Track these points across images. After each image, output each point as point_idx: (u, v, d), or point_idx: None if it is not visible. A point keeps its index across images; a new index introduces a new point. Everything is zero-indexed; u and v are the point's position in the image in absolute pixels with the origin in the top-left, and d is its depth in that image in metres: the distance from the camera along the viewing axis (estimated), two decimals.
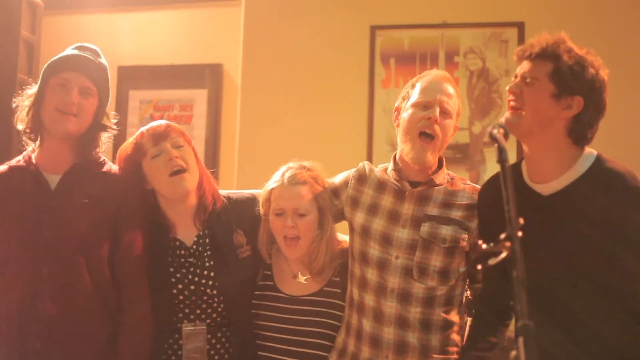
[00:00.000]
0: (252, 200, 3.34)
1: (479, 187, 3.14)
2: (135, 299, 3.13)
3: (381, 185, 3.17)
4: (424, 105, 3.05)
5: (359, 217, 3.16)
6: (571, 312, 2.68)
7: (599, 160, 2.71)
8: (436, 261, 3.01)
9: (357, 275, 3.13)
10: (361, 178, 3.25)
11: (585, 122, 2.69)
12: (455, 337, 3.09)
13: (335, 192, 3.27)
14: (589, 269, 2.64)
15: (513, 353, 1.90)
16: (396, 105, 3.21)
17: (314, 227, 3.19)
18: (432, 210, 3.05)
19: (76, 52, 3.17)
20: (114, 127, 3.26)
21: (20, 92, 3.17)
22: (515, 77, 2.78)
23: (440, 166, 3.15)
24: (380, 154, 5.13)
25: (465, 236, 3.02)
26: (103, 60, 3.22)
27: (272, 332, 3.20)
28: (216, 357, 3.20)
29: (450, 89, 3.12)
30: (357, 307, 3.11)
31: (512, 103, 2.75)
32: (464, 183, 3.16)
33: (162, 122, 3.27)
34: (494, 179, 2.97)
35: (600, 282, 2.64)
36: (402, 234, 3.05)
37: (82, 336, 3.06)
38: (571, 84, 2.67)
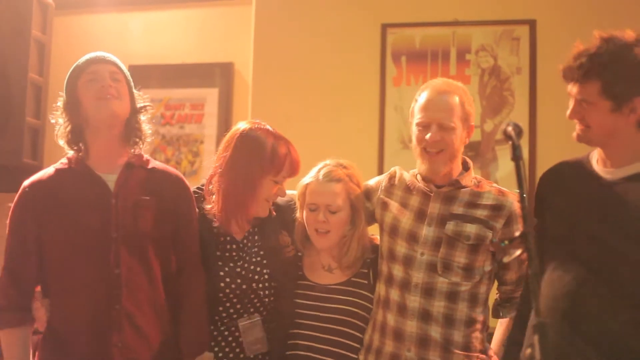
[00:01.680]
0: (293, 204, 3.42)
1: (505, 189, 3.19)
2: (196, 289, 3.21)
3: (409, 187, 3.26)
4: (423, 126, 3.12)
5: (388, 217, 3.25)
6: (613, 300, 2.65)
7: None
8: (460, 257, 3.07)
9: (385, 273, 3.20)
10: (392, 181, 3.34)
11: None
12: (478, 335, 3.13)
13: (368, 194, 3.36)
14: (626, 259, 2.61)
15: (528, 351, 1.90)
16: (410, 120, 3.26)
17: (345, 223, 3.26)
18: (458, 209, 3.12)
19: (91, 54, 3.23)
20: (150, 104, 3.30)
21: (39, 100, 3.22)
22: (570, 98, 2.77)
23: (466, 169, 3.20)
24: (391, 152, 5.13)
25: (490, 234, 3.06)
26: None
27: (301, 319, 3.26)
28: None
29: (451, 101, 3.13)
30: (383, 303, 3.17)
31: (577, 124, 2.76)
32: (490, 185, 3.21)
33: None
34: (558, 166, 2.98)
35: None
36: (428, 231, 3.12)
37: (158, 331, 3.13)
38: (625, 92, 2.66)
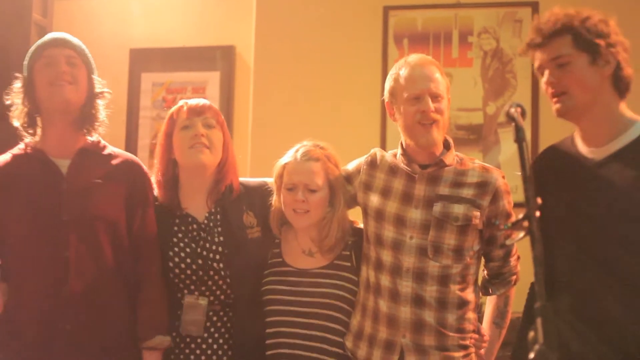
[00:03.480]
0: (263, 186, 3.39)
1: (488, 165, 3.18)
2: (152, 272, 3.20)
3: (392, 169, 3.21)
4: (414, 98, 3.07)
5: (373, 201, 3.20)
6: (622, 271, 2.64)
7: None
8: (450, 239, 3.05)
9: (373, 258, 3.16)
10: (373, 163, 3.28)
11: (624, 67, 2.69)
12: (470, 315, 3.12)
13: (348, 178, 3.31)
14: (626, 241, 2.61)
15: (531, 334, 1.90)
16: (386, 100, 3.23)
17: (324, 204, 3.23)
18: (443, 190, 3.09)
19: (49, 36, 3.24)
20: (108, 90, 3.26)
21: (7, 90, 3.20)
22: (540, 68, 2.75)
23: (447, 148, 3.17)
24: (393, 134, 5.07)
25: (477, 214, 3.05)
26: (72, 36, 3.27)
27: (282, 305, 3.22)
28: (216, 335, 3.23)
29: (435, 71, 3.13)
30: (374, 289, 3.13)
31: (554, 92, 2.72)
32: (473, 162, 3.18)
33: (202, 100, 3.35)
34: (545, 152, 3.00)
35: (637, 256, 2.61)
36: (415, 214, 3.09)
37: (109, 314, 3.12)
38: (597, 41, 2.65)
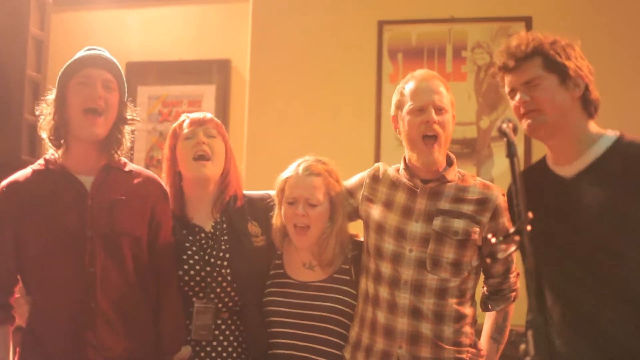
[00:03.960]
0: (266, 198, 3.44)
1: (489, 183, 3.23)
2: (172, 287, 3.24)
3: (394, 184, 3.25)
4: (418, 110, 3.12)
5: (374, 214, 3.24)
6: (588, 300, 2.68)
7: (620, 138, 2.73)
8: (449, 253, 3.08)
9: (372, 270, 3.19)
10: (375, 177, 3.33)
11: (592, 90, 2.75)
12: (467, 329, 3.15)
13: (351, 191, 3.36)
14: (608, 251, 2.64)
15: (522, 346, 1.92)
16: (392, 114, 3.29)
17: (325, 219, 3.26)
18: (444, 205, 3.13)
19: (89, 52, 3.21)
20: (137, 118, 3.31)
21: (37, 97, 3.21)
22: (512, 91, 2.80)
23: (450, 164, 3.21)
24: (388, 148, 5.14)
25: (477, 229, 3.09)
26: (109, 55, 3.26)
27: (282, 317, 3.25)
28: (225, 343, 3.28)
29: (439, 85, 3.18)
30: (372, 300, 3.16)
31: (526, 109, 2.76)
32: (474, 179, 3.22)
33: (204, 113, 3.45)
34: (528, 168, 3.06)
35: (612, 262, 2.64)
36: (416, 227, 3.13)
37: (134, 328, 3.14)
38: (566, 64, 2.71)
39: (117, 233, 3.11)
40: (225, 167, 3.38)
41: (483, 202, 3.12)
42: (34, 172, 3.18)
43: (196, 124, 3.35)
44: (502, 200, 3.12)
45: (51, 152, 3.19)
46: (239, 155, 5.39)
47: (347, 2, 5.42)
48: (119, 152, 3.21)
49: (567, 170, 2.75)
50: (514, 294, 3.25)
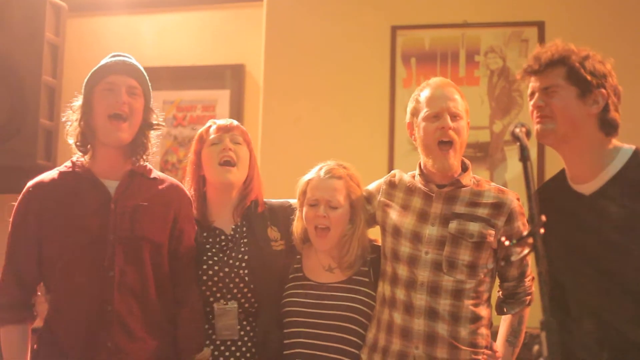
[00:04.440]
0: (286, 205, 3.52)
1: (504, 188, 3.26)
2: (191, 294, 3.28)
3: (410, 189, 3.30)
4: (434, 117, 3.17)
5: (391, 218, 3.29)
6: (600, 314, 2.70)
7: (635, 154, 2.75)
8: (465, 255, 3.12)
9: (389, 273, 3.24)
10: (392, 184, 3.38)
11: (611, 110, 2.75)
12: (483, 330, 3.17)
13: (368, 198, 3.41)
14: (620, 269, 2.66)
15: (535, 347, 1.93)
16: (407, 120, 3.33)
17: (345, 221, 3.31)
18: (460, 208, 3.17)
19: (114, 59, 3.26)
20: (162, 123, 3.35)
21: (52, 102, 3.25)
22: (532, 95, 2.82)
23: (465, 169, 3.25)
24: (401, 152, 5.16)
25: (492, 232, 3.12)
26: (135, 61, 3.33)
27: (302, 317, 3.29)
28: (239, 343, 3.31)
29: (454, 92, 3.23)
30: (389, 302, 3.20)
31: (539, 115, 2.78)
32: (489, 184, 3.26)
33: (230, 120, 3.52)
34: (547, 182, 3.10)
35: (625, 282, 2.66)
36: (432, 231, 3.17)
37: (151, 332, 3.17)
38: (589, 79, 2.71)
39: (138, 238, 3.15)
40: (249, 174, 3.45)
41: (498, 206, 3.15)
42: (61, 173, 3.23)
43: (223, 130, 3.42)
44: (516, 205, 3.16)
45: (78, 155, 3.23)
46: None
47: (360, 7, 5.44)
48: (144, 157, 3.26)
49: (586, 187, 2.77)
50: (529, 297, 3.26)
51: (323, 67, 5.46)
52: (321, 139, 5.29)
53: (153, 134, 3.30)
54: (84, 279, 3.09)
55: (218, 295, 3.30)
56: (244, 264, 3.31)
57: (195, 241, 3.34)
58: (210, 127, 3.45)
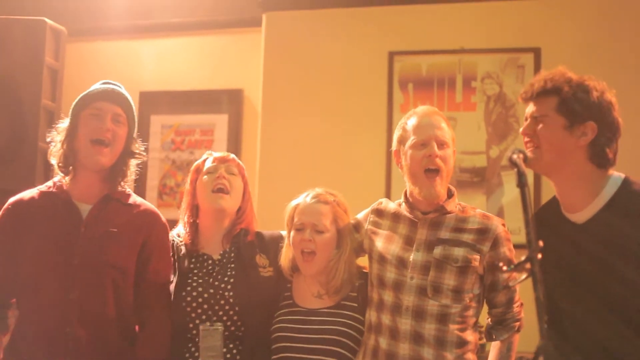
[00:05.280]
0: (277, 235, 3.52)
1: (489, 214, 3.25)
2: (152, 318, 3.28)
3: (396, 216, 3.30)
4: (421, 145, 3.17)
5: (377, 246, 3.28)
6: (597, 341, 2.71)
7: (625, 184, 2.76)
8: (449, 280, 3.10)
9: (375, 300, 3.22)
10: (379, 212, 3.38)
11: (602, 144, 2.74)
12: (470, 356, 3.16)
13: (357, 226, 3.40)
14: (611, 298, 2.68)
15: None
16: (394, 149, 3.34)
17: (331, 246, 3.31)
18: (445, 234, 3.16)
19: (104, 86, 3.32)
20: (143, 153, 3.39)
21: (51, 126, 3.29)
22: (526, 119, 2.85)
23: (450, 196, 3.25)
24: (398, 177, 5.06)
25: (477, 257, 3.11)
26: (127, 93, 3.37)
27: (290, 342, 3.27)
28: None
29: (441, 121, 3.24)
30: (375, 328, 3.19)
31: (528, 143, 2.82)
32: (474, 210, 3.26)
33: (229, 153, 3.56)
34: (541, 209, 3.08)
35: (623, 312, 2.68)
36: (417, 256, 3.15)
37: (109, 357, 3.17)
38: (579, 111, 2.72)
39: (103, 264, 3.17)
40: (242, 206, 3.48)
41: (483, 232, 3.15)
42: (41, 193, 3.28)
43: (219, 160, 3.47)
44: (502, 230, 3.16)
45: (60, 176, 3.27)
46: (251, 185, 5.45)
47: (358, 33, 5.48)
48: (122, 183, 3.30)
49: (578, 217, 2.78)
50: (517, 323, 3.24)
51: (321, 92, 5.50)
52: (319, 163, 5.31)
53: (133, 162, 3.35)
54: (47, 300, 3.13)
55: (203, 317, 3.29)
56: (229, 286, 3.31)
57: (181, 269, 3.35)
58: (207, 158, 3.51)
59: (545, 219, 2.88)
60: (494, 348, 3.31)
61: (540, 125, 2.76)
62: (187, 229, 3.45)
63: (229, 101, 5.95)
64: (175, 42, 6.22)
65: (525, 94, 2.85)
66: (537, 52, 5.15)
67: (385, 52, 5.40)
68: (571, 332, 2.78)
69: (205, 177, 3.42)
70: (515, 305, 3.22)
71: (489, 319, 3.30)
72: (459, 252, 3.11)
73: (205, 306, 3.29)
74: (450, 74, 5.29)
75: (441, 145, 3.16)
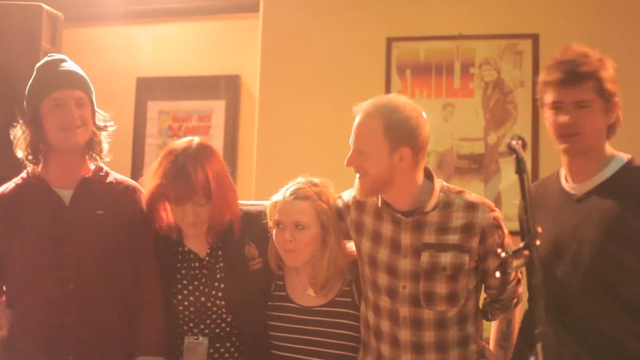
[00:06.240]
0: (265, 214, 3.33)
1: (474, 200, 3.05)
2: (153, 296, 3.23)
3: (379, 213, 3.14)
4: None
5: (365, 246, 3.16)
6: (587, 318, 2.72)
7: (629, 163, 2.80)
8: (441, 288, 3.02)
9: (371, 301, 3.15)
10: (359, 205, 3.21)
11: (619, 118, 2.83)
12: (473, 346, 3.13)
13: (340, 214, 3.26)
14: (604, 271, 2.69)
15: (532, 359, 1.94)
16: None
17: (314, 242, 3.19)
18: (429, 237, 3.02)
19: (53, 69, 3.22)
20: (110, 123, 3.30)
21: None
22: (557, 106, 2.81)
23: (429, 188, 3.08)
24: None
25: (466, 258, 3.00)
26: (72, 63, 3.28)
27: (286, 342, 3.24)
28: None
29: (363, 122, 3.12)
30: (375, 331, 3.13)
31: (568, 132, 2.78)
32: (459, 198, 3.06)
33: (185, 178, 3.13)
34: (540, 182, 3.12)
35: (612, 288, 2.68)
36: (405, 264, 3.05)
37: (111, 343, 3.15)
38: (612, 91, 2.77)
39: (96, 250, 3.13)
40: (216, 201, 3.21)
41: (468, 228, 2.99)
42: (16, 185, 3.21)
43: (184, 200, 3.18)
44: (488, 221, 2.99)
45: (31, 167, 3.20)
46: (248, 171, 5.46)
47: (356, 19, 5.46)
48: (98, 157, 3.23)
49: (578, 188, 2.80)
50: (514, 300, 3.22)
51: (318, 78, 5.49)
52: (316, 149, 5.30)
53: (104, 134, 3.27)
54: (44, 292, 3.09)
55: (191, 324, 3.24)
56: (220, 294, 3.22)
57: (167, 261, 3.27)
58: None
59: (538, 190, 2.91)
60: (494, 326, 3.30)
61: (586, 111, 2.75)
62: (167, 225, 3.27)
63: (226, 87, 5.94)
64: (172, 28, 6.20)
65: (562, 80, 2.79)
66: (535, 38, 5.13)
67: (383, 38, 5.38)
68: (567, 317, 2.78)
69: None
70: (510, 286, 3.16)
71: (486, 297, 3.26)
72: (446, 258, 2.99)
73: (197, 313, 3.23)
74: (448, 60, 5.28)
75: (357, 153, 3.05)
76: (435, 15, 5.35)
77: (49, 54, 3.32)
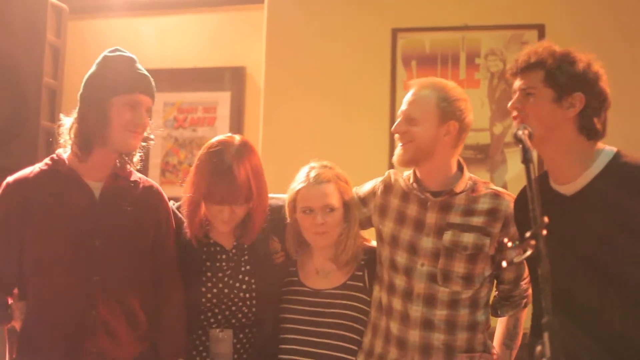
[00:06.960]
0: (284, 208, 3.39)
1: (501, 190, 3.20)
2: (174, 297, 3.24)
3: (405, 195, 3.25)
4: (398, 117, 3.19)
5: (388, 227, 3.24)
6: (594, 312, 2.71)
7: (617, 156, 2.76)
8: (459, 267, 3.08)
9: (386, 282, 3.20)
10: (387, 187, 3.33)
11: (591, 115, 2.74)
12: (480, 336, 3.16)
13: (363, 200, 3.37)
14: (608, 268, 2.68)
15: (538, 348, 1.94)
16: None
17: (341, 222, 3.27)
18: (454, 218, 3.12)
19: (138, 73, 3.18)
20: (152, 136, 3.26)
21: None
22: (514, 93, 2.85)
23: (460, 171, 3.21)
24: None
25: (487, 241, 3.08)
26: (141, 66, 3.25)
27: (297, 325, 3.28)
28: (235, 356, 3.27)
29: (418, 92, 3.19)
30: (386, 310, 3.18)
31: (515, 117, 2.83)
32: (486, 187, 3.20)
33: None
34: (522, 190, 3.02)
35: (620, 281, 2.68)
36: (427, 242, 3.13)
37: (134, 338, 3.15)
38: (566, 82, 2.72)
39: (123, 244, 3.12)
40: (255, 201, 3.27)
41: (493, 213, 3.10)
42: (42, 171, 3.13)
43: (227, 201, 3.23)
44: (512, 210, 3.09)
45: (58, 153, 3.16)
46: None
47: (361, 9, 5.46)
48: (132, 162, 3.22)
49: (567, 188, 2.78)
50: (524, 300, 3.25)
51: (324, 69, 5.48)
52: (322, 140, 5.30)
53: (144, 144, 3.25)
54: (67, 284, 3.04)
55: (209, 314, 3.26)
56: (244, 286, 3.26)
57: (193, 256, 3.29)
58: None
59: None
60: (500, 324, 3.32)
61: (530, 99, 2.76)
62: (194, 218, 3.28)
63: (231, 79, 5.95)
64: (177, 20, 6.21)
65: (511, 70, 2.86)
66: (541, 29, 5.12)
67: (389, 28, 5.38)
68: (573, 307, 2.78)
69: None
70: (523, 283, 3.22)
71: (496, 293, 3.30)
72: (468, 238, 3.08)
73: (222, 305, 3.26)
74: (453, 50, 5.28)
75: (407, 120, 3.15)
76: (441, 5, 5.35)
77: (115, 48, 3.26)
